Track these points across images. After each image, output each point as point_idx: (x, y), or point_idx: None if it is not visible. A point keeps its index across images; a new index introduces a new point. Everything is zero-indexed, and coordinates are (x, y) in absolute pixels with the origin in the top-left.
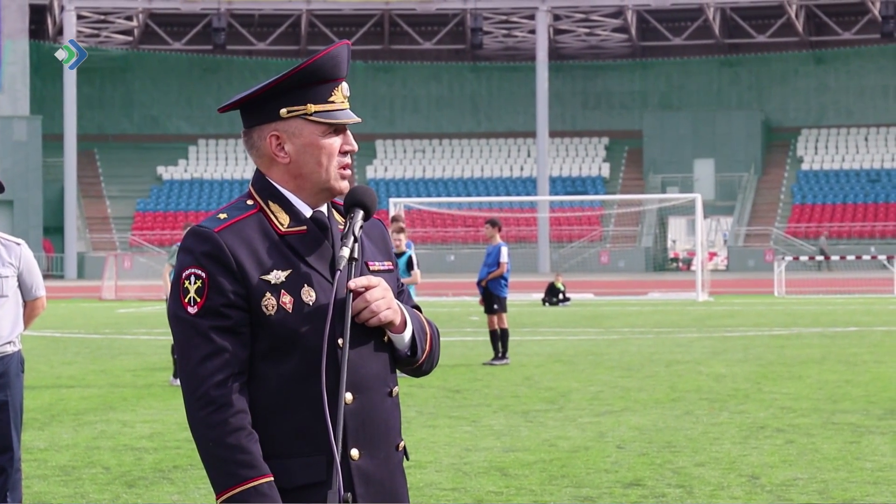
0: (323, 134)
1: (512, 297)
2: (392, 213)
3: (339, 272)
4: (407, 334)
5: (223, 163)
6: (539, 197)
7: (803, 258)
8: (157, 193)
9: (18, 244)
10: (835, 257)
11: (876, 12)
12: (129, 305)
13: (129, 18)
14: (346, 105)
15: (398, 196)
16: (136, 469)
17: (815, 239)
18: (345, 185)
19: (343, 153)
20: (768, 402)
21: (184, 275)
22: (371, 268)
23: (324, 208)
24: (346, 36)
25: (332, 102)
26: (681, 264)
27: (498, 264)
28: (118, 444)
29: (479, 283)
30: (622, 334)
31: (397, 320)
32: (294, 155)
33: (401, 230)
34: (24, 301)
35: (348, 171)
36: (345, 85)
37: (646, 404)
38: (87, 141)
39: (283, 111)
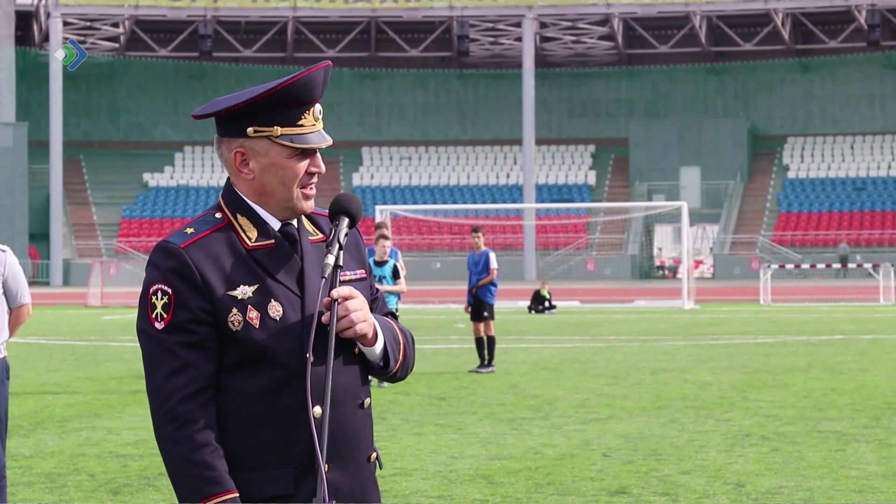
0: (289, 156)
1: (498, 305)
2: (378, 220)
3: (324, 280)
4: (378, 346)
5: (209, 170)
6: (525, 204)
7: (789, 266)
8: (142, 200)
9: (3, 251)
10: (820, 265)
11: (862, 21)
12: (115, 312)
13: (116, 25)
14: (318, 126)
15: (384, 203)
16: (122, 476)
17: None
18: (308, 206)
19: (309, 174)
20: (754, 410)
21: (151, 290)
22: (342, 278)
23: (293, 220)
24: (333, 43)
25: (301, 126)
26: (667, 272)
27: (488, 270)
28: (103, 452)
29: (470, 291)
30: (608, 342)
31: (370, 334)
32: (258, 173)
33: (384, 237)
34: (10, 308)
35: (312, 191)
36: (318, 106)
37: (631, 412)
38: (73, 147)
39: (251, 130)
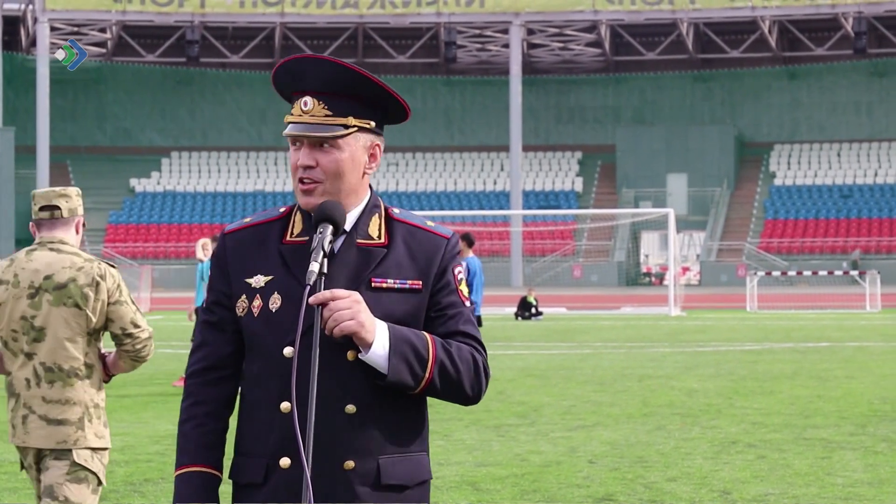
0: (290, 145)
1: (484, 311)
2: None
3: (307, 286)
4: (375, 352)
5: (196, 175)
6: (512, 211)
7: (776, 273)
8: (129, 206)
9: None
10: (807, 272)
11: (849, 28)
12: None
13: (103, 30)
14: (304, 118)
15: None
16: (108, 482)
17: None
18: (303, 201)
19: (303, 167)
20: (740, 418)
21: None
22: (374, 285)
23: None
24: (320, 49)
25: (291, 115)
26: (653, 279)
27: None
28: None
29: None
30: (594, 349)
31: (362, 333)
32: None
33: None
34: None
35: (304, 185)
36: (307, 98)
37: (618, 419)
38: (60, 153)
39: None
